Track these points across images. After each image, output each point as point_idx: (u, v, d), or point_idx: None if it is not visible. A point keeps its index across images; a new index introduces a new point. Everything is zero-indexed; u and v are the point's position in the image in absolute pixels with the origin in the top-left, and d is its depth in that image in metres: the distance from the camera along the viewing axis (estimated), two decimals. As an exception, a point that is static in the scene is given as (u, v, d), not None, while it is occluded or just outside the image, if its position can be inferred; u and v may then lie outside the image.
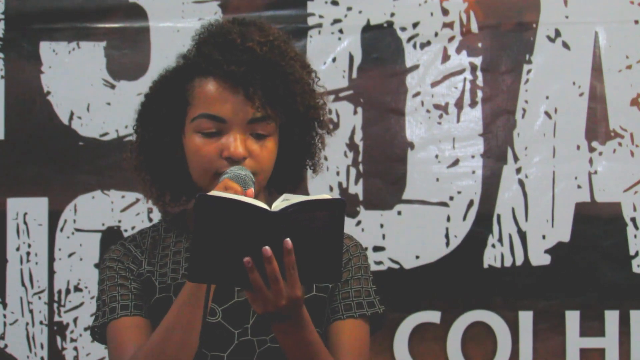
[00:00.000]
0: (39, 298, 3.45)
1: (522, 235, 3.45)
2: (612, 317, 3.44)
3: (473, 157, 3.48)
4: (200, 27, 2.21)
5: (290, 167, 2.22)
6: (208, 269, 1.83)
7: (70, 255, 3.46)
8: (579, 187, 3.45)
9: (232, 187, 1.96)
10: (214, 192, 1.84)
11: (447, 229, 3.46)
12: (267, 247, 1.81)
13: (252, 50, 2.10)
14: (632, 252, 3.45)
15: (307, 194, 1.96)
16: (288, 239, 1.81)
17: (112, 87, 3.48)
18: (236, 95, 2.08)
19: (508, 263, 3.45)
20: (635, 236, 3.45)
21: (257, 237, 1.81)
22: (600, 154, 3.45)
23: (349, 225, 3.41)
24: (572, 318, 3.44)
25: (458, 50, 3.49)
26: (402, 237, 3.46)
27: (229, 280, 1.89)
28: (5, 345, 3.46)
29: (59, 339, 3.45)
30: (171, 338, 2.00)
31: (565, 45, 3.47)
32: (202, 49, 2.15)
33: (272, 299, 1.86)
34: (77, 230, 3.46)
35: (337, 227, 1.85)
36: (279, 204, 1.83)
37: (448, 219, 3.46)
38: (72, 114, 3.47)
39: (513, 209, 3.46)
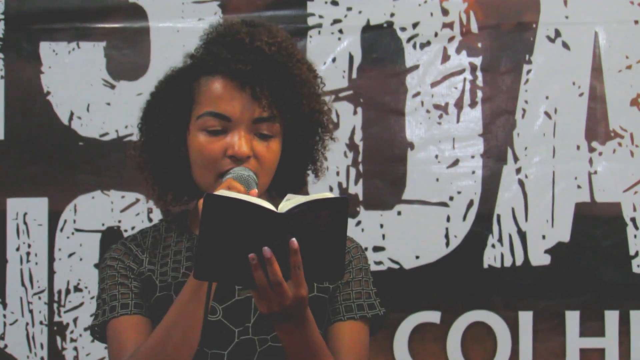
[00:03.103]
0: (39, 298, 3.45)
1: (522, 235, 3.45)
2: (612, 317, 3.44)
3: (473, 157, 3.48)
4: (208, 26, 2.22)
5: (293, 170, 2.22)
6: (214, 267, 1.84)
7: (70, 255, 3.46)
8: (579, 187, 3.45)
9: (235, 187, 1.96)
10: (221, 192, 1.84)
11: (447, 229, 3.46)
12: (266, 248, 1.81)
13: (260, 50, 2.10)
14: (632, 252, 3.45)
15: (306, 194, 1.97)
16: (294, 240, 1.81)
17: (112, 87, 3.48)
18: (242, 94, 2.09)
19: (508, 263, 3.45)
20: (635, 236, 3.45)
21: (263, 237, 1.81)
22: (600, 154, 3.45)
23: (349, 226, 3.40)
24: (572, 318, 3.44)
25: (458, 51, 3.49)
26: (402, 237, 3.46)
27: (234, 279, 1.90)
28: (5, 345, 3.45)
29: (59, 339, 3.45)
30: (171, 337, 2.00)
31: (565, 45, 3.47)
32: (210, 48, 2.15)
33: (277, 299, 1.86)
34: (77, 230, 3.46)
35: (340, 225, 1.88)
36: (284, 205, 1.84)
37: (448, 219, 3.46)
38: (72, 114, 3.47)
39: (513, 209, 3.46)
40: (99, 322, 2.18)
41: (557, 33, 3.47)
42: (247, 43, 2.11)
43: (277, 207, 1.84)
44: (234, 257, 1.82)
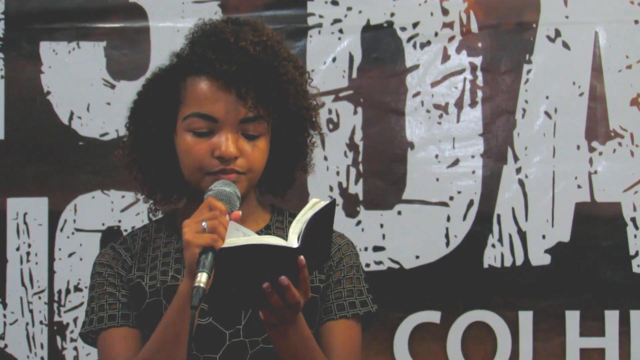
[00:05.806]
0: (39, 298, 3.46)
1: (522, 235, 3.45)
2: (612, 317, 3.43)
3: (473, 157, 3.47)
4: (194, 26, 2.22)
5: (282, 167, 2.22)
6: (226, 302, 1.94)
7: (70, 255, 3.46)
8: (579, 187, 3.45)
9: (216, 207, 1.94)
10: (230, 242, 1.85)
11: (447, 228, 3.46)
12: (284, 278, 1.86)
13: (245, 49, 2.11)
14: (632, 252, 3.44)
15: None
16: (302, 257, 1.86)
17: (112, 87, 3.48)
18: (228, 95, 2.09)
19: (508, 263, 3.45)
20: (635, 236, 3.44)
21: (277, 268, 1.86)
22: (600, 154, 3.45)
23: (349, 226, 3.41)
24: (572, 318, 3.44)
25: (458, 50, 3.49)
26: (402, 237, 3.46)
27: (246, 305, 2.00)
28: (5, 345, 3.46)
29: (59, 339, 3.46)
30: (160, 355, 2.01)
31: (565, 45, 3.46)
32: (195, 48, 2.16)
33: (292, 313, 1.92)
34: (77, 230, 3.47)
35: (330, 221, 1.96)
36: (291, 235, 1.88)
37: (448, 219, 3.46)
38: (72, 114, 3.48)
39: (513, 209, 3.46)
40: (85, 331, 2.20)
41: (557, 33, 3.46)
42: (232, 43, 2.11)
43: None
44: (246, 289, 1.88)
